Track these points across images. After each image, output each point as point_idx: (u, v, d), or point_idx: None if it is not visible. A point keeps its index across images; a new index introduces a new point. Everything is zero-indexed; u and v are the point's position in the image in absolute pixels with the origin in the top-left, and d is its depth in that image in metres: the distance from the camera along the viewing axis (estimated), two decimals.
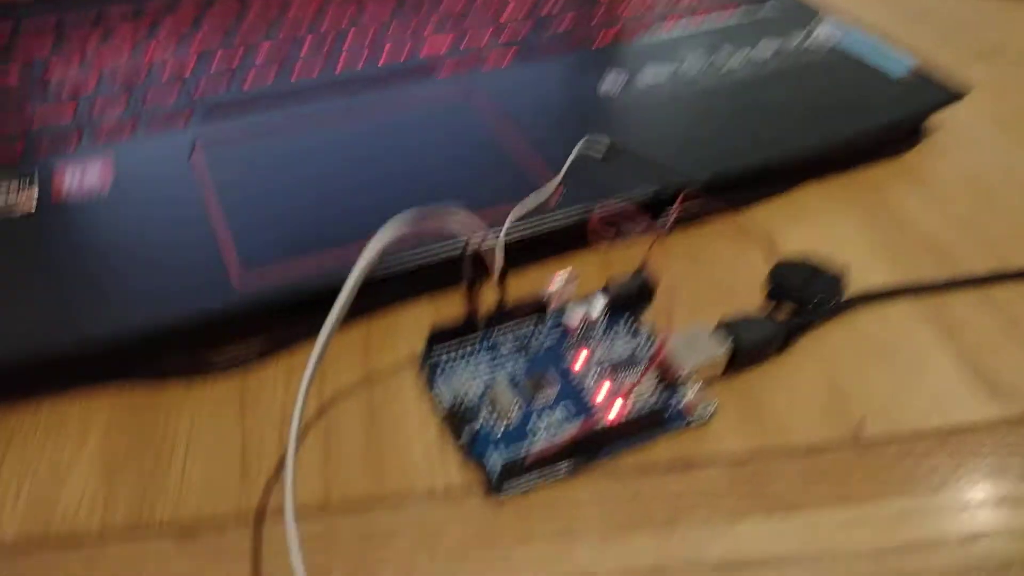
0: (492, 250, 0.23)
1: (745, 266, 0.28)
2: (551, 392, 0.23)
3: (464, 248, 0.23)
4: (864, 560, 0.20)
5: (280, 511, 0.20)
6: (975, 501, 0.21)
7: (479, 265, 0.26)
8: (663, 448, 0.22)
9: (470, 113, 0.32)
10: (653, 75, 0.35)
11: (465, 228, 0.22)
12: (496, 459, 0.21)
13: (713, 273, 0.28)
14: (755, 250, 0.29)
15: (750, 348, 0.24)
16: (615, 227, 0.26)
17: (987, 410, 0.24)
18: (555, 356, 0.24)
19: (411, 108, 0.33)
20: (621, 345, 0.25)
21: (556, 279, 0.23)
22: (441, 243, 0.26)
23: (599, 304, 0.25)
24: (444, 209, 0.21)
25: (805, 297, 0.27)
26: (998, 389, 0.24)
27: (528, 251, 0.28)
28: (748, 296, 0.27)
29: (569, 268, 0.24)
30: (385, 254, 0.25)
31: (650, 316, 0.26)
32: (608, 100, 0.33)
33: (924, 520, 0.21)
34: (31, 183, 0.29)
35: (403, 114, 0.32)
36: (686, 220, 0.30)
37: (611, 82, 0.34)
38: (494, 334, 0.25)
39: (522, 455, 0.21)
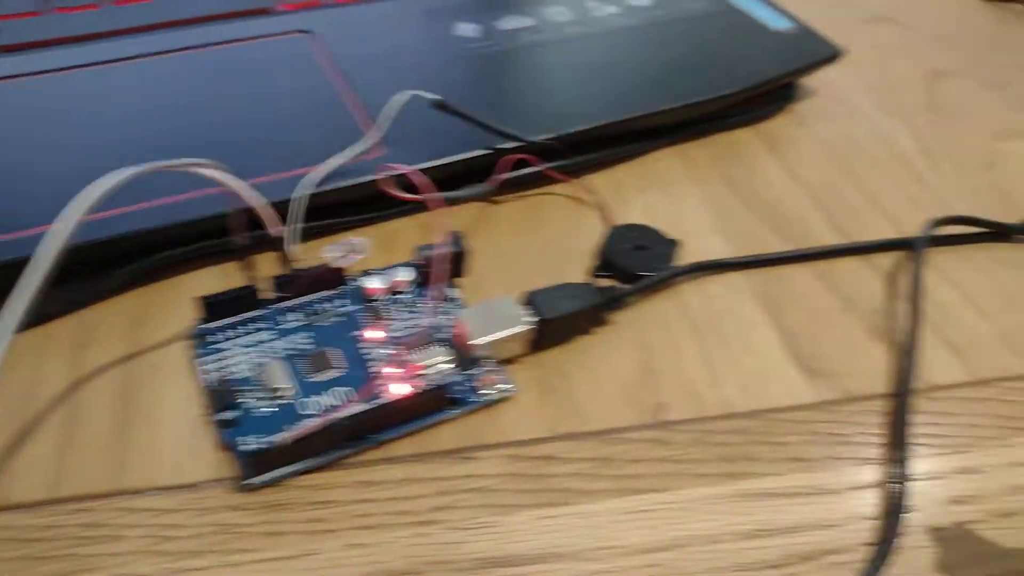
0: (272, 212, 0.21)
1: (581, 234, 0.26)
2: (334, 370, 0.21)
3: (234, 210, 0.20)
4: (638, 555, 0.19)
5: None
6: (772, 492, 0.20)
7: (262, 228, 0.24)
8: (448, 433, 0.21)
9: (301, 59, 0.29)
10: (517, 19, 0.33)
11: (229, 188, 0.20)
12: (249, 445, 0.19)
13: (544, 241, 0.26)
14: (594, 217, 0.27)
15: (558, 322, 0.22)
16: (416, 192, 0.24)
17: (801, 394, 0.22)
18: (346, 331, 0.22)
19: (233, 49, 0.30)
20: (425, 319, 0.23)
21: (332, 246, 0.21)
22: (225, 202, 0.23)
23: (403, 273, 0.23)
24: (189, 163, 0.18)
25: (631, 267, 0.25)
26: (816, 372, 0.23)
27: (341, 214, 0.26)
28: (579, 266, 0.25)
29: (347, 235, 0.22)
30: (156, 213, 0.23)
31: (464, 288, 0.24)
32: (462, 45, 0.31)
33: (710, 512, 0.19)
34: None
35: (223, 56, 0.29)
36: (523, 184, 0.28)
37: (468, 25, 0.32)
38: (280, 304, 0.23)
39: (277, 441, 0.19)
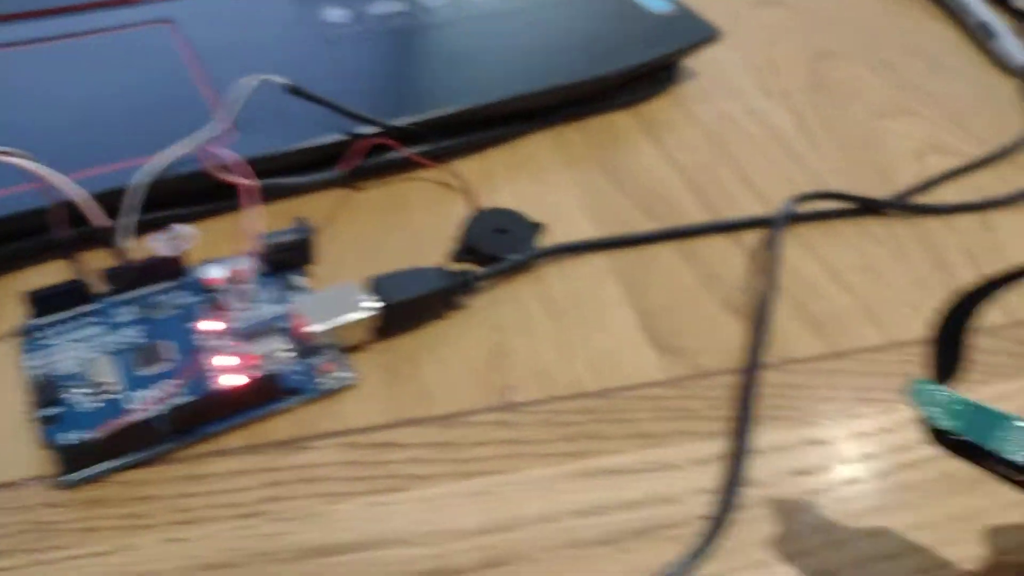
0: (94, 204, 0.20)
1: (444, 220, 0.26)
2: (164, 363, 0.20)
3: (53, 204, 0.20)
4: (471, 537, 0.18)
5: None
6: (614, 469, 0.20)
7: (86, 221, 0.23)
8: (283, 423, 0.20)
9: (159, 49, 0.28)
10: (387, 3, 0.32)
11: (45, 179, 0.19)
12: (67, 441, 0.19)
13: (405, 227, 0.26)
14: (459, 203, 0.27)
15: (403, 307, 0.22)
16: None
17: (653, 371, 0.22)
18: (182, 323, 0.21)
19: (90, 40, 0.29)
20: (265, 309, 0.22)
21: (157, 236, 0.20)
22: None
23: (245, 263, 0.23)
24: None
25: (491, 251, 0.24)
26: (670, 349, 0.23)
27: (187, 204, 0.25)
28: (440, 252, 0.25)
29: (173, 225, 0.21)
30: None
31: (317, 275, 0.24)
32: (330, 30, 0.30)
33: (549, 492, 0.19)
34: None
35: (79, 47, 0.28)
36: (387, 170, 0.27)
37: (337, 10, 0.31)
38: (114, 298, 0.22)
39: (88, 437, 0.18)
